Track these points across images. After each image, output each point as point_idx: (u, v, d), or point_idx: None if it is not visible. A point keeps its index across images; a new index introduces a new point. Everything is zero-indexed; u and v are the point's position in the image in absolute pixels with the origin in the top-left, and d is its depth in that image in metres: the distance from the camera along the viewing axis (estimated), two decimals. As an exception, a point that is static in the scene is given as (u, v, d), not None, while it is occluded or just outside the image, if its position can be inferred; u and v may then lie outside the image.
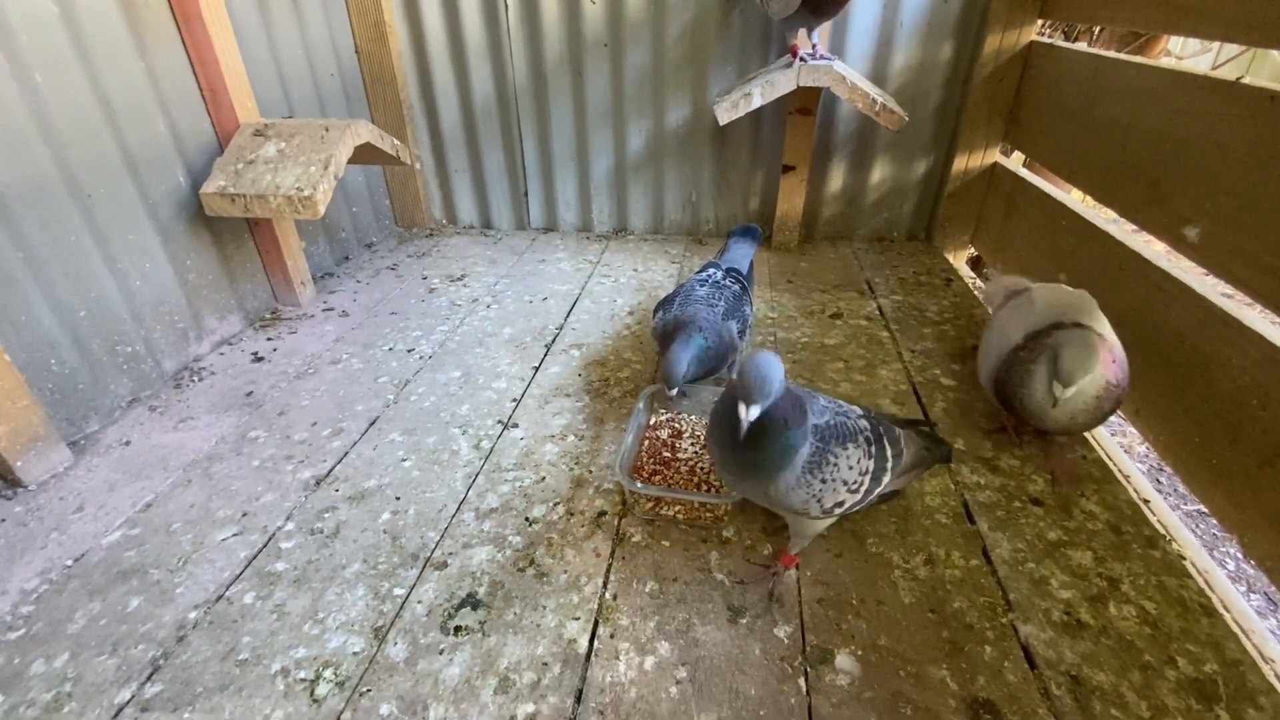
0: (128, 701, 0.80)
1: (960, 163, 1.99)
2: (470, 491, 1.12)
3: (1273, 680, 0.82)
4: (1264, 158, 1.00)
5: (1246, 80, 1.06)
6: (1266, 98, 1.00)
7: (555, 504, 1.10)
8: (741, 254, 1.48)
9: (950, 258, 2.09)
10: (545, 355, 1.55)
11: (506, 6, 2.00)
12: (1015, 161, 1.99)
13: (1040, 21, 1.78)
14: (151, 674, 0.83)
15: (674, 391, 1.13)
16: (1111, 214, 1.44)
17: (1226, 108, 1.08)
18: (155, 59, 1.42)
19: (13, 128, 1.16)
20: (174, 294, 1.50)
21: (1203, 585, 0.95)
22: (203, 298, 1.58)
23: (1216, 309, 1.07)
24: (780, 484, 0.80)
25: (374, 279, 2.00)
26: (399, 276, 2.01)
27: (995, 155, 1.98)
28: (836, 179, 2.15)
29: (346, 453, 1.23)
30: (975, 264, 2.25)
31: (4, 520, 1.09)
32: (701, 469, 1.12)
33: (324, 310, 1.80)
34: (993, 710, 0.77)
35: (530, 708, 0.78)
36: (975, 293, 1.86)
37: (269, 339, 1.65)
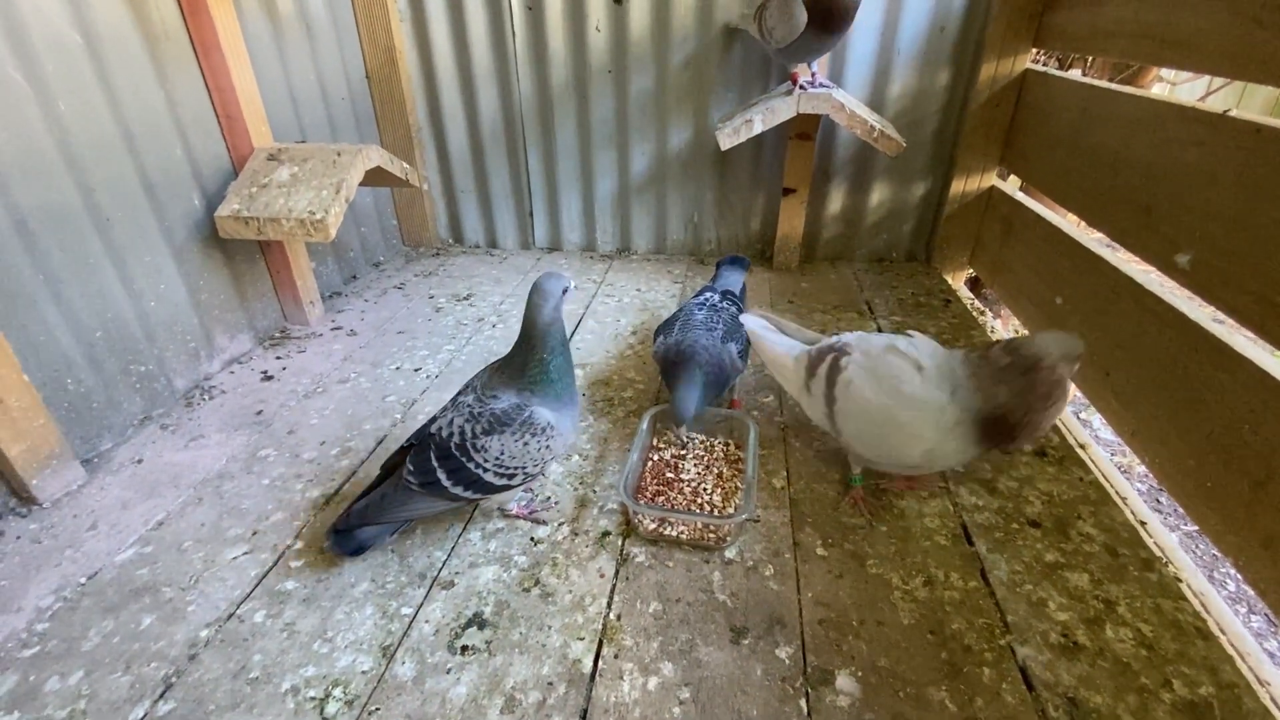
0: (141, 719, 0.81)
1: (958, 186, 2.03)
2: (476, 510, 1.14)
3: (1268, 704, 0.83)
4: (1251, 188, 1.03)
5: (1233, 113, 1.09)
6: (1253, 130, 1.03)
7: (560, 524, 1.11)
8: (733, 280, 1.53)
9: (949, 279, 2.12)
10: (550, 375, 1.57)
11: (514, 33, 2.05)
12: (1012, 185, 2.02)
13: (1034, 50, 1.82)
14: (164, 692, 0.85)
15: (684, 430, 1.19)
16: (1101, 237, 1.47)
17: (1214, 138, 1.12)
18: (174, 86, 1.46)
19: (37, 154, 1.20)
20: (187, 314, 1.53)
21: (1199, 608, 0.96)
22: (214, 317, 1.61)
23: (1208, 334, 1.09)
24: None
25: (381, 298, 2.03)
26: (406, 296, 2.05)
27: (992, 179, 2.01)
28: (836, 201, 2.19)
29: (354, 472, 1.25)
30: (974, 285, 2.27)
31: (19, 537, 1.11)
32: (705, 490, 1.14)
33: (332, 329, 1.83)
34: (991, 732, 0.79)
35: (536, 727, 0.80)
36: (974, 314, 1.89)
37: (278, 358, 1.68)
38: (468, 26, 2.06)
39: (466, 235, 2.46)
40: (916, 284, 2.07)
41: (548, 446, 1.00)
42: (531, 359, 1.01)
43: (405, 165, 1.76)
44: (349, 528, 1.01)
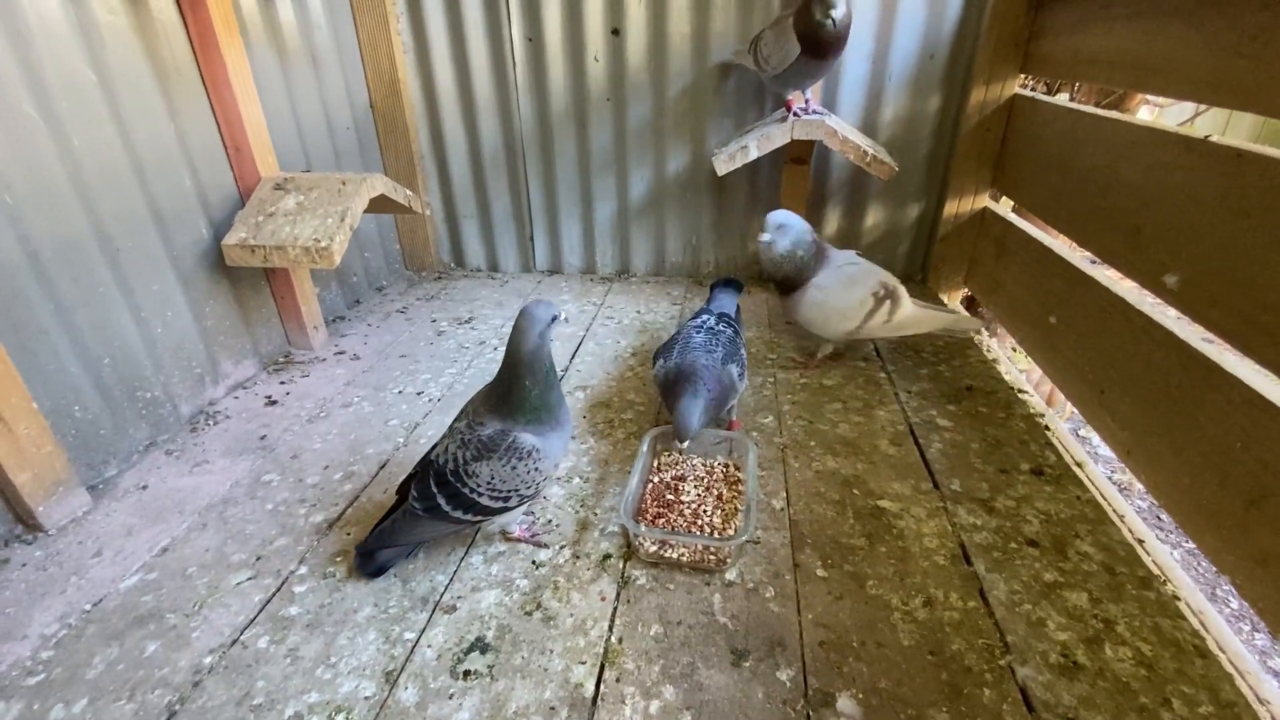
0: (145, 747, 0.82)
1: (951, 207, 2.06)
2: (478, 534, 1.15)
3: (1268, 722, 0.83)
4: (1234, 211, 1.06)
5: (1214, 138, 1.12)
6: (1234, 155, 1.06)
7: (561, 547, 1.12)
8: (728, 302, 1.55)
9: (945, 298, 2.15)
10: (551, 397, 1.59)
11: (514, 64, 2.10)
12: (1005, 206, 2.05)
13: (1022, 76, 1.86)
14: None
15: (685, 445, 1.18)
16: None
17: (1198, 162, 1.14)
18: (184, 120, 1.50)
19: (50, 187, 1.23)
20: (192, 340, 1.55)
21: (1198, 626, 0.96)
22: (219, 343, 1.63)
23: (1197, 353, 1.11)
24: None
25: (384, 322, 2.06)
26: (408, 319, 2.07)
27: (985, 200, 2.05)
28: (832, 223, 2.23)
29: (358, 496, 1.26)
30: (970, 304, 2.30)
31: (25, 565, 1.11)
32: (705, 512, 1.15)
33: (335, 354, 1.85)
34: (992, 754, 0.79)
35: (538, 752, 0.80)
36: (970, 333, 1.90)
37: (282, 382, 1.70)
38: (469, 57, 2.11)
39: (468, 259, 2.49)
40: (913, 304, 2.09)
41: (536, 469, 1.01)
42: (515, 387, 1.00)
43: (409, 192, 1.80)
44: (369, 550, 1.04)
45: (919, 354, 1.77)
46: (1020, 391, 1.60)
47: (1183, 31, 1.19)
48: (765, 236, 1.52)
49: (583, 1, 1.99)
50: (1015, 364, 1.96)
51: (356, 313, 2.13)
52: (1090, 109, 1.53)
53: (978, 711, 0.83)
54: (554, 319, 1.00)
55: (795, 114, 1.73)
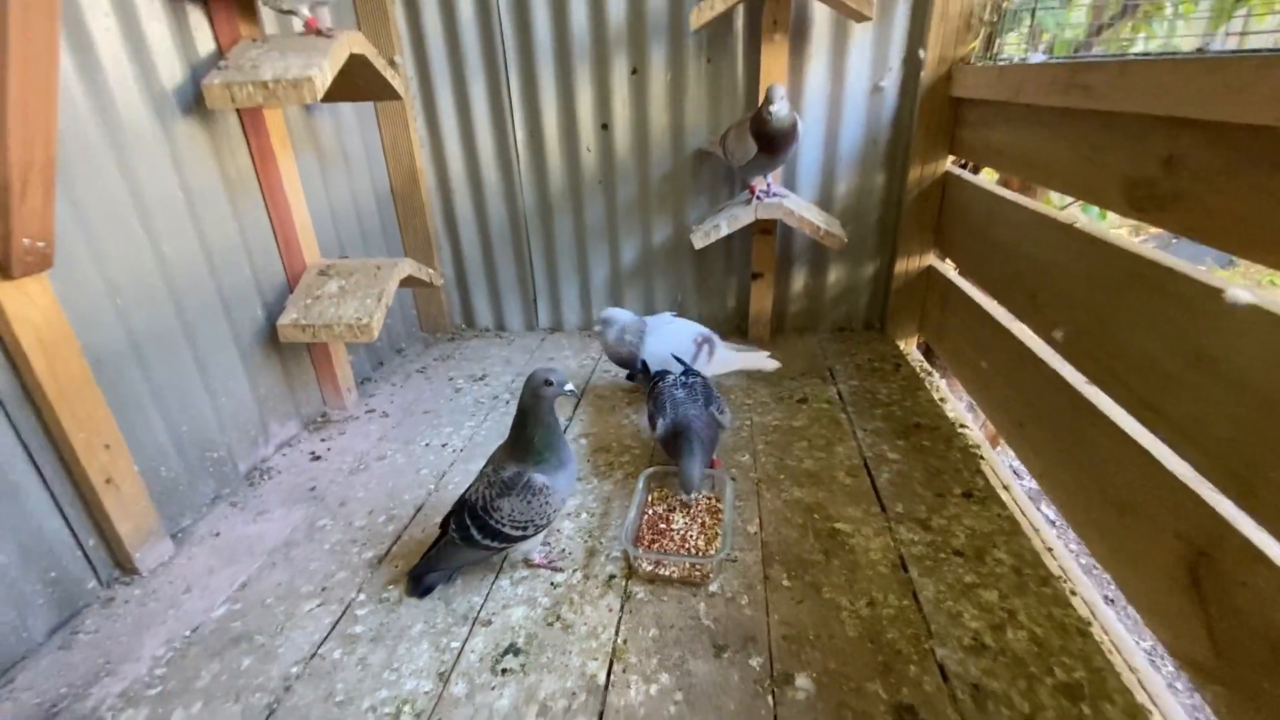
0: (255, 735, 1.04)
1: (901, 265, 2.37)
2: (504, 563, 1.39)
3: (1131, 684, 1.07)
4: (1092, 283, 1.34)
5: (1079, 225, 1.42)
6: (1089, 239, 1.36)
7: (574, 570, 1.36)
8: (672, 366, 1.83)
9: (901, 344, 2.44)
10: (558, 445, 1.84)
11: (517, 154, 2.43)
12: (949, 265, 2.36)
13: (951, 157, 2.20)
14: (269, 715, 1.07)
15: (693, 496, 1.45)
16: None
17: (1069, 243, 1.44)
18: (245, 220, 1.79)
19: (148, 286, 1.50)
20: (249, 406, 1.81)
21: (1086, 614, 1.21)
22: (269, 407, 1.89)
23: (1081, 396, 1.38)
24: None
25: (406, 381, 2.32)
26: (428, 378, 2.33)
27: (930, 259, 2.36)
28: (799, 281, 2.53)
29: (400, 535, 1.50)
30: (927, 351, 2.58)
31: (128, 602, 1.34)
32: (691, 536, 1.40)
33: (366, 412, 2.10)
34: (913, 712, 1.02)
35: (564, 727, 1.03)
36: (921, 375, 2.18)
37: (323, 440, 1.95)
38: (478, 150, 2.44)
39: (478, 320, 2.78)
40: (872, 350, 2.38)
41: (547, 502, 1.25)
42: (522, 436, 1.25)
43: (430, 270, 2.09)
44: (418, 574, 1.29)
45: (875, 396, 2.04)
46: (961, 426, 1.87)
47: (1051, 137, 1.51)
48: (596, 327, 1.98)
49: (576, 102, 2.33)
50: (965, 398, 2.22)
51: (381, 374, 2.39)
52: (999, 190, 1.84)
53: (904, 682, 1.07)
54: (548, 383, 1.23)
55: (758, 197, 2.04)
